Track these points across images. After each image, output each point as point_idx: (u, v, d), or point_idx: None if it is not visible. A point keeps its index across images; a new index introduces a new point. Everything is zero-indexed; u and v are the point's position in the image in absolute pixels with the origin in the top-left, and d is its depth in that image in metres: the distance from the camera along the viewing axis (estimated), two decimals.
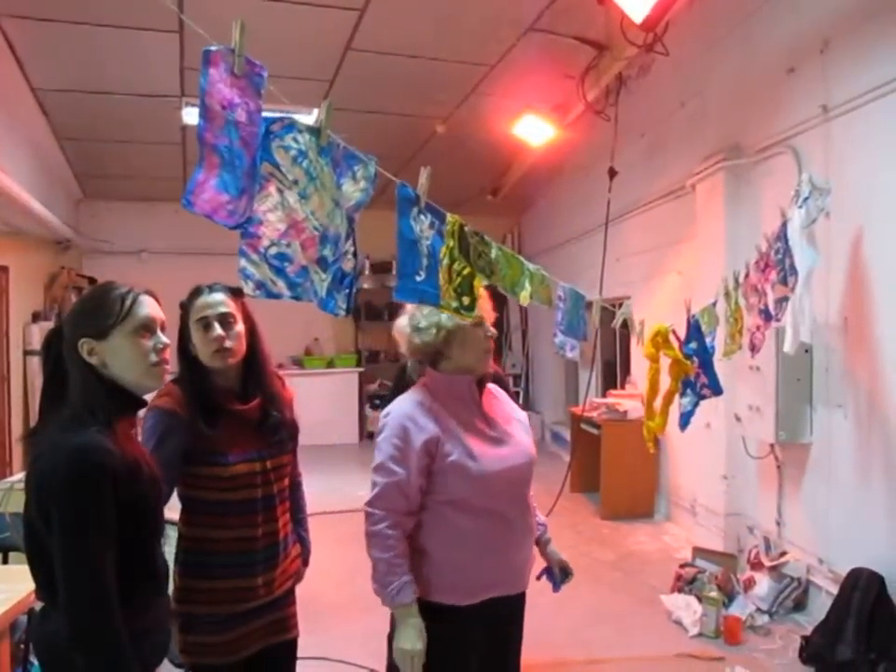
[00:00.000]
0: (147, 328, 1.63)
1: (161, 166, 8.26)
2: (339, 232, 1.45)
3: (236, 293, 2.08)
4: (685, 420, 2.80)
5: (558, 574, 2.24)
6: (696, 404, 2.75)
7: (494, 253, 1.86)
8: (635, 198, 6.30)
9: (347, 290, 1.47)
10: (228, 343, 2.01)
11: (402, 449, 1.98)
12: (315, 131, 1.45)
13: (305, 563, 2.36)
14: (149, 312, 1.65)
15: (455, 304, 1.71)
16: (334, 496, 6.92)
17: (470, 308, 1.77)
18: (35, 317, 7.64)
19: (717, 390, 2.83)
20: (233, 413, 2.06)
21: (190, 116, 6.76)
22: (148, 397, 1.73)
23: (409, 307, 2.05)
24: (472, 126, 7.09)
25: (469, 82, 6.26)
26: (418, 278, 1.61)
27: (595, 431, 5.98)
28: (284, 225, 1.28)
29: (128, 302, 1.62)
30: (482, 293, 1.82)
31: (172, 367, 1.75)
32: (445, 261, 1.68)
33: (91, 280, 9.08)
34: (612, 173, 5.78)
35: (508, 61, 5.78)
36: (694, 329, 2.70)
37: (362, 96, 6.61)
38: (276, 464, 2.13)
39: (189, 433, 1.98)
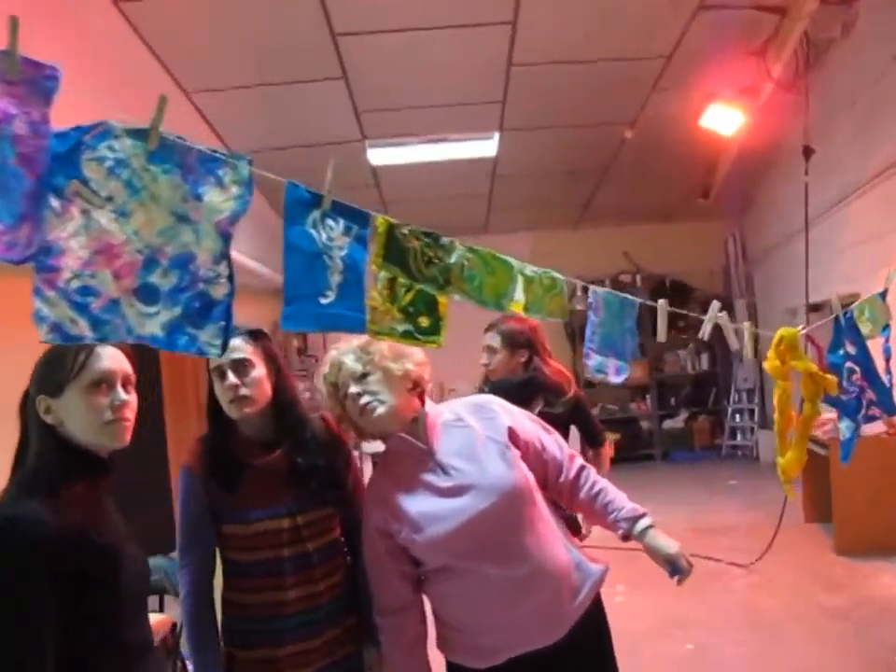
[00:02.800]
0: (104, 382, 1.51)
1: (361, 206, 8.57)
2: (189, 253, 1.17)
3: (255, 336, 1.94)
4: (845, 451, 2.18)
5: (669, 570, 1.85)
6: (857, 430, 2.13)
7: (455, 257, 1.50)
8: (855, 177, 5.44)
9: (222, 322, 1.20)
10: (243, 392, 1.86)
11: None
12: (139, 133, 1.20)
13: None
14: (106, 365, 1.52)
15: (404, 328, 1.42)
16: None
17: (434, 331, 1.46)
18: None
19: (890, 408, 2.19)
20: (257, 465, 1.91)
21: (377, 157, 6.97)
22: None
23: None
24: (662, 126, 6.56)
25: (646, 79, 5.79)
26: (324, 300, 1.33)
27: (822, 451, 5.16)
28: (87, 252, 1.06)
29: (81, 356, 1.50)
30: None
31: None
32: (383, 274, 1.40)
33: None
34: (808, 152, 5.02)
35: (683, 48, 5.26)
36: (847, 330, 2.10)
37: (539, 113, 6.38)
38: (311, 518, 1.92)
39: (207, 491, 1.88)
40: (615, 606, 4.69)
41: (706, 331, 1.98)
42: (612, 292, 1.93)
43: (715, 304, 1.99)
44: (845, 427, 2.14)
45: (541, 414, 2.79)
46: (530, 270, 1.65)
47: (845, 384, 2.08)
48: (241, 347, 1.86)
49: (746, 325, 2.10)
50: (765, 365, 1.97)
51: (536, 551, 1.81)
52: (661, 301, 2.17)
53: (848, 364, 2.09)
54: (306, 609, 1.89)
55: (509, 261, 1.63)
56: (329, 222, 1.36)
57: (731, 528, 5.95)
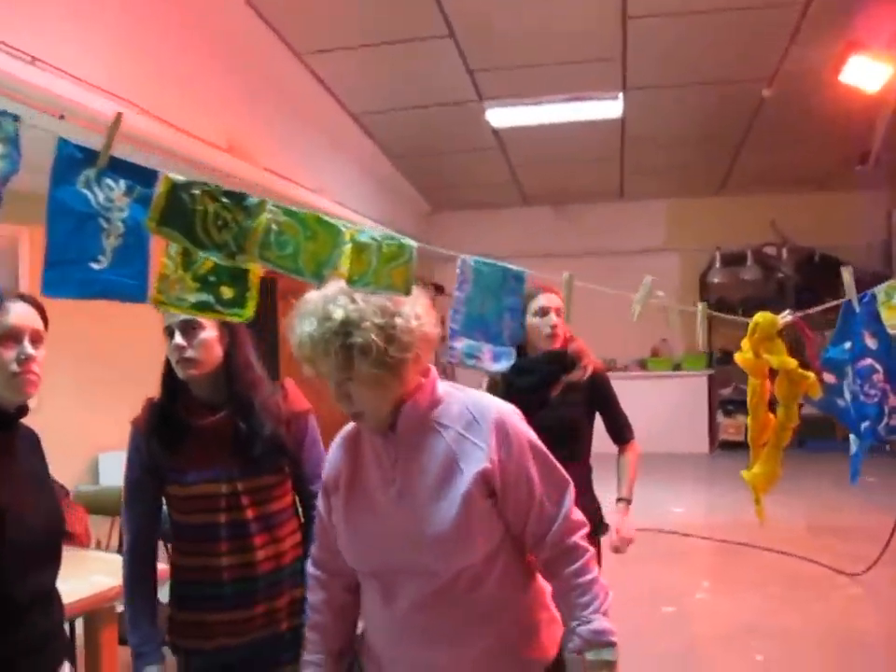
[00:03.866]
0: (11, 337, 1.57)
1: (488, 172, 8.41)
2: None
3: None
4: (853, 468, 1.80)
5: None
6: (870, 443, 1.74)
7: (261, 221, 1.33)
8: None
9: None
10: (189, 353, 1.81)
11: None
12: None
13: None
14: (12, 321, 1.57)
15: (198, 299, 1.29)
16: (647, 510, 6.33)
17: (239, 303, 1.32)
18: None
19: None
20: (200, 427, 1.88)
21: (497, 118, 6.77)
22: None
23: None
24: (806, 83, 5.91)
25: (783, 29, 5.21)
26: (95, 266, 1.23)
27: None
28: None
29: None
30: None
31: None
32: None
33: (438, 287, 9.65)
34: None
35: None
36: (866, 318, 1.70)
37: (663, 70, 5.95)
38: (252, 486, 1.89)
39: (149, 449, 1.87)
40: (694, 603, 4.45)
41: (635, 312, 1.72)
42: (488, 262, 1.69)
43: (647, 279, 1.71)
44: (852, 440, 1.80)
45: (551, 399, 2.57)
46: (368, 235, 1.46)
47: (859, 386, 1.73)
48: None
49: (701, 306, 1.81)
50: (736, 357, 1.69)
51: (459, 632, 1.48)
52: (700, 305, 1.91)
53: (867, 362, 1.73)
54: (240, 578, 1.86)
55: (336, 225, 1.44)
56: (108, 182, 1.26)
57: (850, 530, 5.40)
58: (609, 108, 6.64)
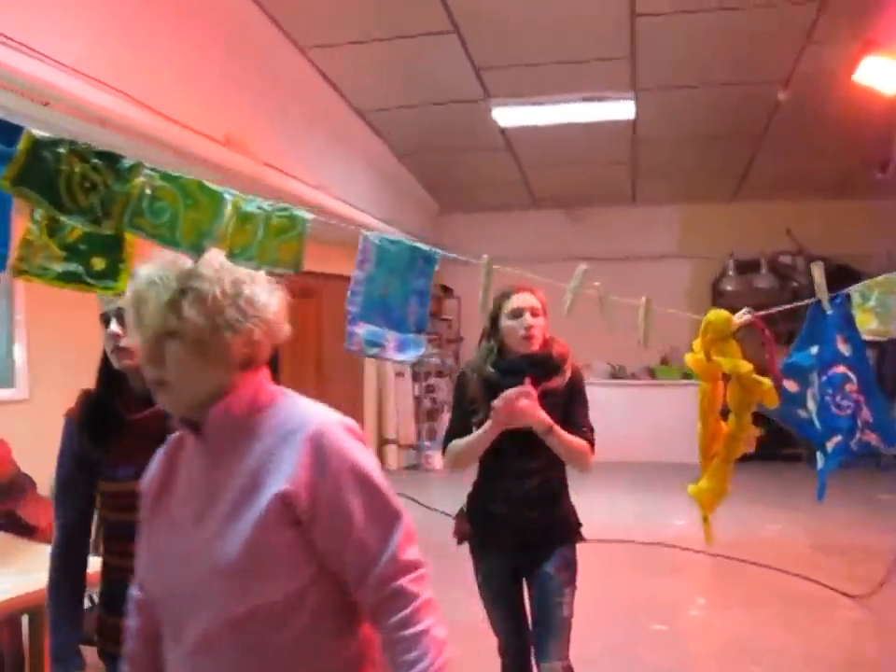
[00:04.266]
0: None
1: (496, 173, 8.28)
2: None
3: None
4: (820, 484, 1.63)
5: None
6: (840, 458, 1.57)
7: (133, 184, 1.20)
8: None
9: None
10: (124, 342, 1.69)
11: None
12: None
13: None
14: None
15: (65, 269, 1.18)
16: (647, 522, 6.18)
17: (111, 275, 1.20)
18: None
19: (890, 437, 1.61)
20: (134, 421, 1.79)
21: (504, 117, 6.64)
22: None
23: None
24: (822, 86, 5.74)
25: (798, 28, 5.05)
26: None
27: None
28: None
29: None
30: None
31: None
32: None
33: (446, 289, 9.53)
34: None
35: None
36: (839, 322, 1.52)
37: (675, 70, 5.81)
38: None
39: (81, 442, 1.79)
40: (688, 620, 4.29)
41: (566, 303, 1.59)
42: (395, 239, 1.54)
43: (581, 269, 1.57)
44: (819, 455, 1.64)
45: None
46: (255, 205, 1.32)
47: (830, 396, 1.57)
48: None
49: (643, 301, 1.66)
50: (686, 359, 1.55)
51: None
52: (643, 299, 1.77)
53: (839, 370, 1.57)
54: None
55: (219, 192, 1.30)
56: None
57: (857, 550, 5.18)
58: (621, 109, 6.49)
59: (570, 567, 2.37)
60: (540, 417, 2.26)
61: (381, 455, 8.66)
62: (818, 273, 1.63)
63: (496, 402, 2.24)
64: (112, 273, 1.26)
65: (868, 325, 1.56)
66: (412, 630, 1.22)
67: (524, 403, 2.24)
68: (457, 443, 2.41)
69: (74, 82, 3.54)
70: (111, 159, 1.25)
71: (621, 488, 7.50)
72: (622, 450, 7.29)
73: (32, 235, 1.21)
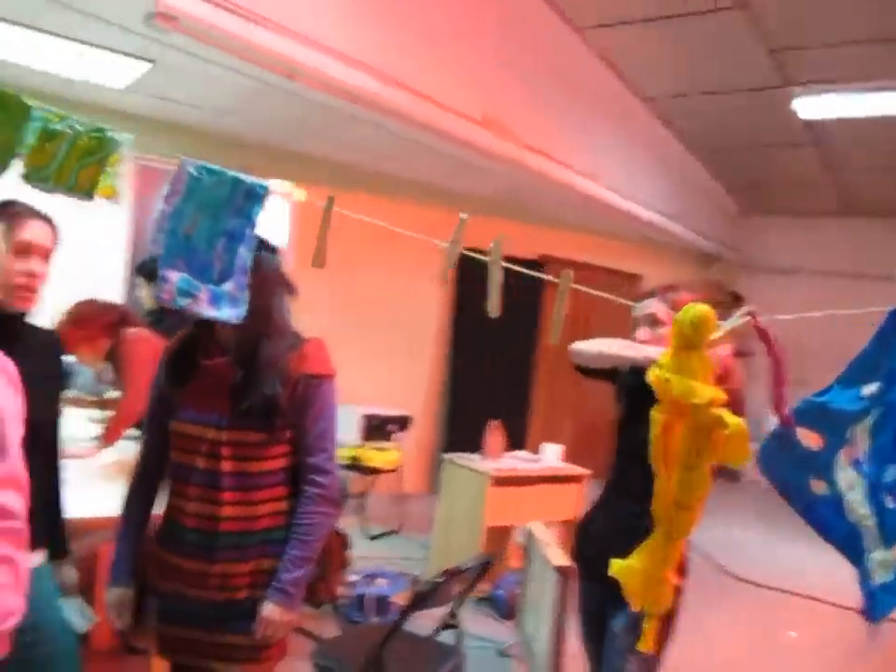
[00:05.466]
0: (22, 250, 1.64)
1: (800, 172, 7.36)
2: None
3: None
4: (875, 604, 0.99)
5: None
6: None
7: None
8: None
9: None
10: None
11: None
12: None
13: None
14: (27, 236, 1.63)
15: None
16: None
17: None
18: None
19: None
20: (205, 367, 1.82)
21: (807, 108, 5.84)
22: None
23: None
24: None
25: None
26: None
27: None
28: None
29: (10, 222, 1.61)
30: None
31: None
32: None
33: (735, 296, 8.73)
34: None
35: None
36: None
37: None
38: (235, 439, 1.77)
39: (163, 379, 1.87)
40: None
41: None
42: (215, 168, 1.22)
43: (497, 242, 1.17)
44: (879, 563, 1.07)
45: None
46: (66, 124, 1.14)
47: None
48: None
49: None
50: (649, 375, 1.08)
51: None
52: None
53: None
54: (202, 529, 1.79)
55: (27, 105, 1.14)
56: None
57: None
58: None
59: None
60: None
61: None
62: None
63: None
64: None
65: None
66: None
67: None
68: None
69: (321, 58, 3.72)
70: None
71: None
72: None
73: None
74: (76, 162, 1.27)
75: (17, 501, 1.24)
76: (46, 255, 1.72)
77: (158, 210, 1.43)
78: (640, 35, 5.23)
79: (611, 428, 2.19)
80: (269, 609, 1.77)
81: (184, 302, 1.42)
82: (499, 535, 4.47)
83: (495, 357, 7.13)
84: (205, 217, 1.37)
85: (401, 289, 6.53)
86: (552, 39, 5.28)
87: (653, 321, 2.11)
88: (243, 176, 1.38)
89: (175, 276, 1.41)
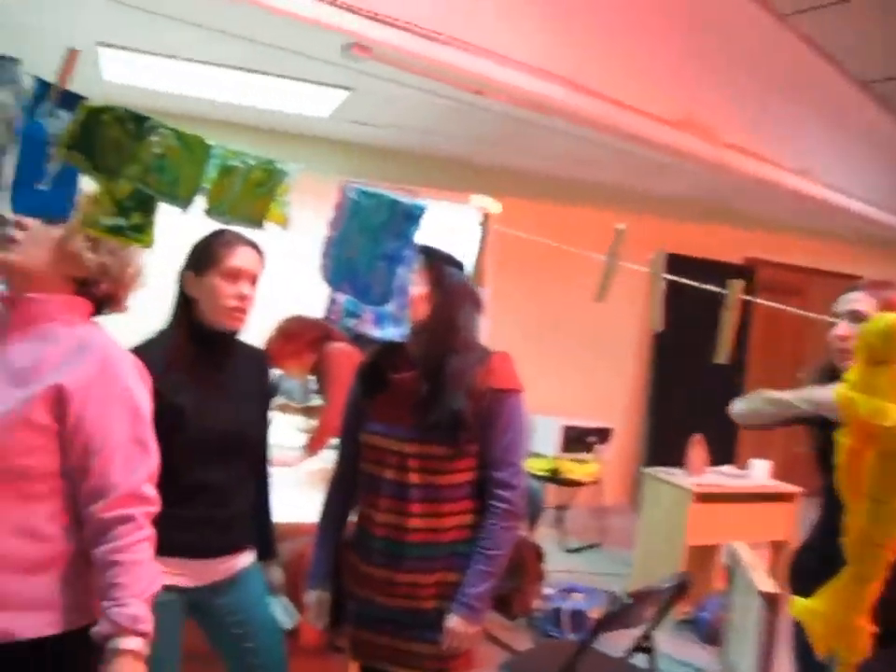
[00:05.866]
0: (232, 275, 1.83)
1: None
2: None
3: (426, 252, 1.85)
4: None
5: None
6: None
7: (145, 143, 1.18)
8: None
9: None
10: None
11: None
12: None
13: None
14: (237, 262, 1.84)
15: (113, 223, 1.21)
16: None
17: (142, 229, 1.24)
18: None
19: None
20: (394, 381, 1.87)
21: None
22: None
23: None
24: None
25: None
26: (41, 187, 1.23)
27: None
28: None
29: (223, 249, 1.83)
30: None
31: None
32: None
33: None
34: None
35: None
36: None
37: None
38: (422, 452, 1.80)
39: (358, 391, 1.97)
40: None
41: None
42: (375, 191, 1.14)
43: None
44: None
45: None
46: (239, 160, 1.17)
47: None
48: None
49: None
50: (834, 392, 0.88)
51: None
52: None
53: None
54: (390, 538, 1.83)
55: (209, 144, 1.22)
56: (60, 113, 1.26)
57: None
58: None
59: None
60: None
61: None
62: None
63: None
64: (143, 227, 1.35)
65: None
66: (128, 557, 1.36)
67: None
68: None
69: (507, 72, 3.76)
70: (139, 121, 1.33)
71: None
72: None
73: (97, 191, 1.35)
74: (249, 194, 1.38)
75: (154, 491, 1.45)
76: (253, 279, 1.89)
77: (324, 236, 1.53)
78: (846, 15, 4.80)
79: (811, 458, 2.02)
80: (454, 622, 1.79)
81: (350, 323, 1.52)
82: (703, 554, 4.25)
83: (699, 368, 6.79)
84: (366, 240, 1.44)
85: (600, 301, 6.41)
86: (748, 29, 4.98)
87: (858, 317, 1.91)
88: (400, 198, 1.44)
89: (342, 298, 1.49)
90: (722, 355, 1.78)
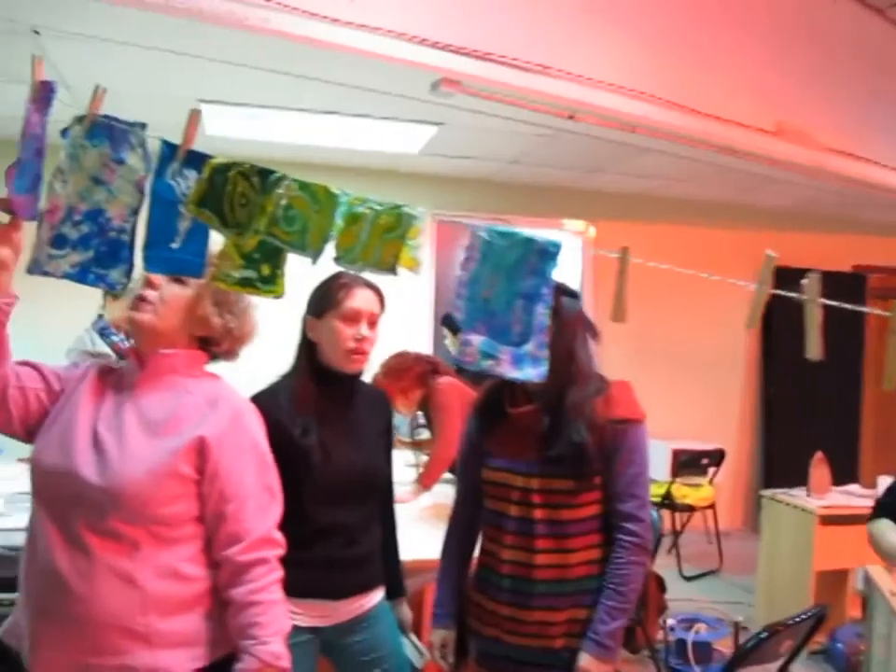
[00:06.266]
0: (351, 318, 1.86)
1: None
2: (99, 208, 1.27)
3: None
4: None
5: None
6: None
7: (271, 196, 1.24)
8: None
9: (126, 265, 1.32)
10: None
11: None
12: (80, 119, 1.29)
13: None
14: (356, 304, 1.87)
15: (242, 275, 1.26)
16: None
17: (272, 281, 1.28)
18: None
19: None
20: (514, 415, 1.84)
21: None
22: None
23: None
24: None
25: None
26: (174, 245, 1.28)
27: None
28: (44, 209, 1.27)
29: (342, 292, 1.86)
30: None
31: None
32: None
33: None
34: None
35: None
36: None
37: None
38: (546, 486, 1.76)
39: (475, 427, 1.95)
40: None
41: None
42: (506, 230, 1.09)
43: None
44: None
45: None
46: (366, 206, 1.17)
47: None
48: None
49: None
50: None
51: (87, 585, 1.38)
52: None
53: None
54: (518, 576, 1.79)
55: (336, 193, 1.25)
56: (186, 172, 1.31)
57: None
58: None
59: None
60: None
61: None
62: None
63: None
64: (273, 278, 1.38)
65: None
66: (267, 596, 1.44)
67: None
68: None
69: (597, 94, 3.73)
70: (263, 175, 1.36)
71: None
72: None
73: (225, 247, 1.39)
74: (378, 240, 1.39)
75: (280, 535, 1.52)
76: (373, 320, 1.91)
77: (456, 277, 1.50)
78: None
79: None
80: (585, 660, 1.74)
81: (486, 364, 1.46)
82: (833, 579, 4.03)
83: (814, 384, 6.51)
84: (501, 280, 1.41)
85: (707, 319, 6.28)
86: (843, 26, 4.80)
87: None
88: (535, 235, 1.41)
89: (476, 339, 1.46)
90: (812, 351, 1.78)
